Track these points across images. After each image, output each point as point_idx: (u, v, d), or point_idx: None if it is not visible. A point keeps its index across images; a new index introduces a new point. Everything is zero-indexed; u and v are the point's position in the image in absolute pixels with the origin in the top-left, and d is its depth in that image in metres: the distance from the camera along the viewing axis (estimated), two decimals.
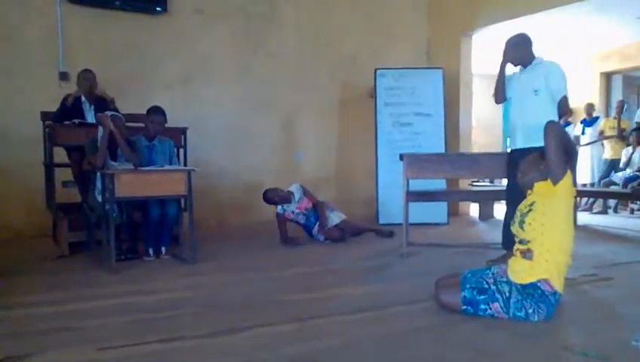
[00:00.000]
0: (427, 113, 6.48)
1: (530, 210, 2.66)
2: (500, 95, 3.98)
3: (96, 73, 4.79)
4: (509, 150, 4.25)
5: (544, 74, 3.70)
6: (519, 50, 3.82)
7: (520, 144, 3.79)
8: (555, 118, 3.71)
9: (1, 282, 3.44)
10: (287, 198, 5.01)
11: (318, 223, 5.03)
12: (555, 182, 2.61)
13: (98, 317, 2.71)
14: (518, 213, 2.74)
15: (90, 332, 2.49)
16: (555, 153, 2.64)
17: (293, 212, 5.05)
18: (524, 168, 2.83)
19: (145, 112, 4.33)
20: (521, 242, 2.68)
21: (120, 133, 3.97)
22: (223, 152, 6.30)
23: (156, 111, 4.29)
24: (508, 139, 3.90)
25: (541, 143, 2.80)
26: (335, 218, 5.08)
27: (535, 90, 3.70)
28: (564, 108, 3.76)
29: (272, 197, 5.00)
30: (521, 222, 2.68)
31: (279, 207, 5.02)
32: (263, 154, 6.61)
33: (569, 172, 2.63)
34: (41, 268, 3.91)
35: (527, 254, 2.61)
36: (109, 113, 4.07)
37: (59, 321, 2.64)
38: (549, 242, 2.57)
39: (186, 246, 4.17)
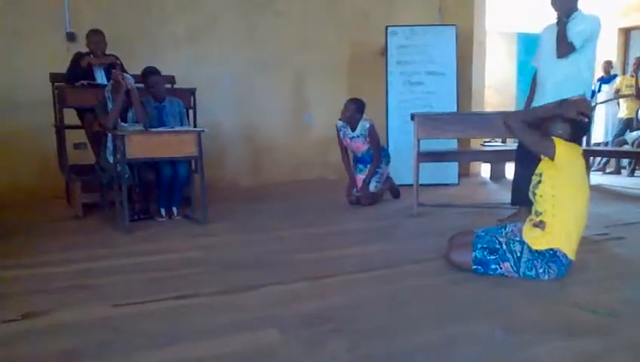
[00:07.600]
0: (439, 72, 6.35)
1: (539, 181, 2.62)
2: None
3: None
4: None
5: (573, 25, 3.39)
6: None
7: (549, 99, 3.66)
8: (585, 77, 3.50)
9: (17, 242, 3.52)
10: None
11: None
12: (550, 158, 2.53)
13: (113, 276, 2.76)
14: (531, 183, 2.71)
15: (105, 290, 2.54)
16: (526, 138, 2.66)
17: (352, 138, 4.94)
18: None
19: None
20: (535, 213, 2.65)
21: (135, 93, 3.95)
22: (231, 113, 6.27)
23: (152, 73, 4.23)
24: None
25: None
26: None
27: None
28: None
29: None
30: (533, 194, 2.65)
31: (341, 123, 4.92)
32: (272, 114, 6.56)
33: (557, 140, 2.52)
34: (55, 229, 3.98)
35: (539, 225, 2.59)
36: (127, 76, 4.04)
37: (75, 280, 2.70)
38: (560, 213, 2.54)
39: (197, 207, 4.21)
